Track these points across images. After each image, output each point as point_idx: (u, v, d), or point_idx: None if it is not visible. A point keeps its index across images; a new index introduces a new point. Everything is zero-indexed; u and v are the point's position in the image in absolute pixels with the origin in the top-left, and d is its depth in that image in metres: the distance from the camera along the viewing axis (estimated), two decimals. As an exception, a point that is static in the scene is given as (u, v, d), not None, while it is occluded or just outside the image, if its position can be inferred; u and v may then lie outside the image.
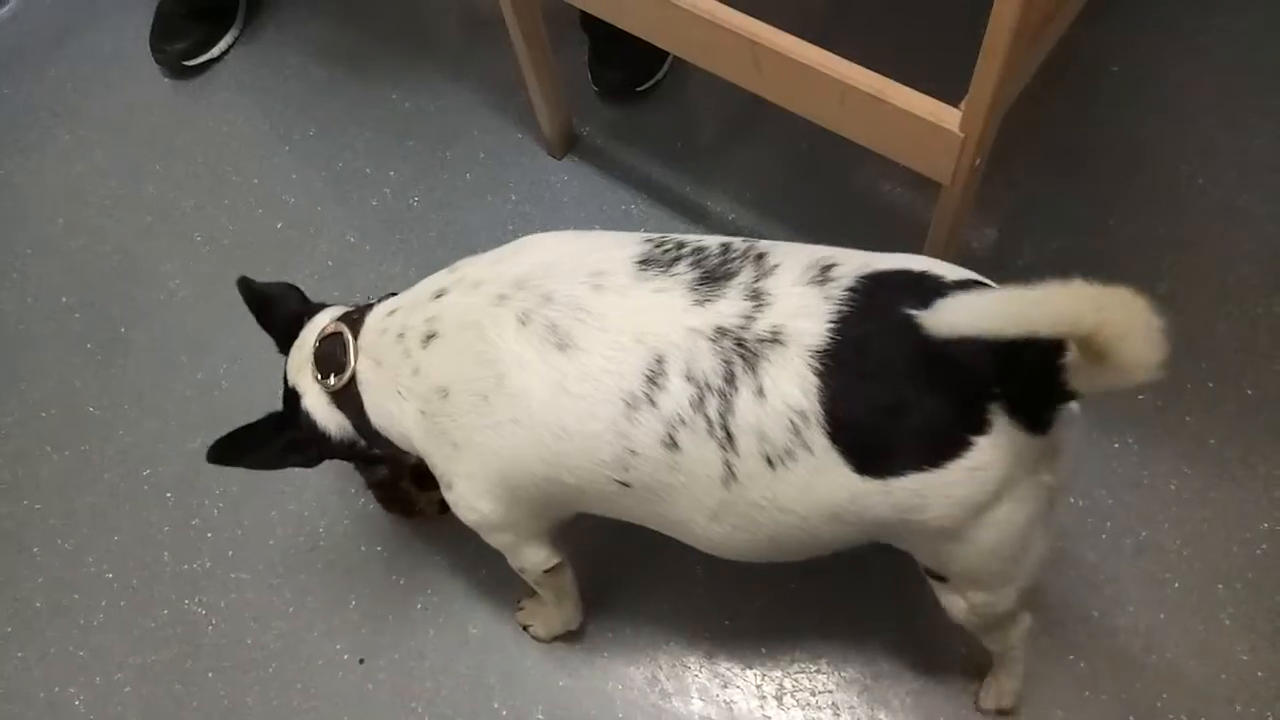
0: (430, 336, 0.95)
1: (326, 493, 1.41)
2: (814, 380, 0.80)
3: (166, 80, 1.86)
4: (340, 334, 1.02)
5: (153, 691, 1.31)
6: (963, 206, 1.09)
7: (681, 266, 0.87)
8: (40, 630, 1.37)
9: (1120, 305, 0.68)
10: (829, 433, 0.80)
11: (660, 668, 1.26)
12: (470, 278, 0.96)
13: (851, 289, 0.82)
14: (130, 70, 1.88)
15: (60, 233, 1.72)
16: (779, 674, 1.24)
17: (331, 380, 1.01)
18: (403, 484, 1.26)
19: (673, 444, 0.85)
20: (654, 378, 0.84)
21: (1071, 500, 1.30)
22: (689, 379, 0.83)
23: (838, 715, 1.21)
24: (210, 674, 1.31)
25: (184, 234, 1.68)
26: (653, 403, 0.84)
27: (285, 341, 1.10)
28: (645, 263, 0.89)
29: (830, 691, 1.22)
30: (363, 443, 1.05)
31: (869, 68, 1.03)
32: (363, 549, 1.37)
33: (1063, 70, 1.11)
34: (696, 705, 1.23)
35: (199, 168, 1.75)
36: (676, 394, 0.83)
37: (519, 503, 0.98)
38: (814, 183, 1.56)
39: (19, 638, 1.37)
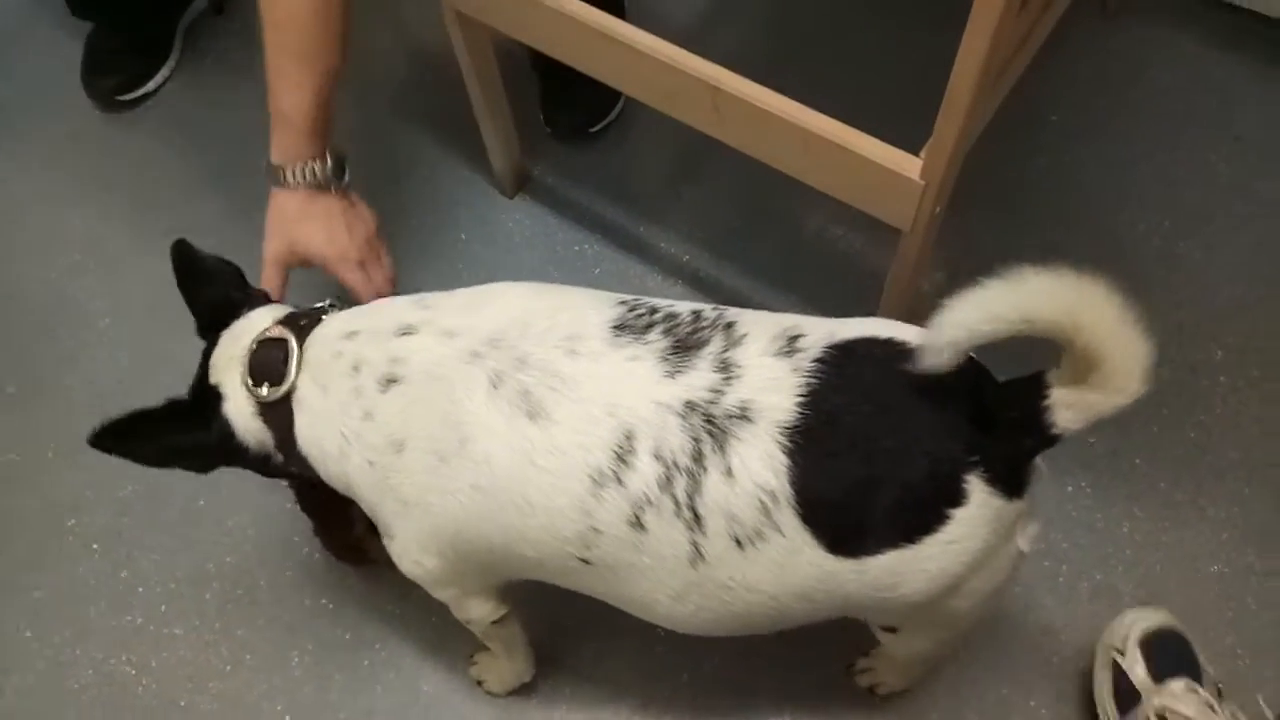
0: (391, 381, 0.87)
1: (268, 543, 1.35)
2: (783, 459, 0.77)
3: (98, 113, 1.79)
4: (285, 341, 0.91)
5: (75, 760, 1.23)
6: (923, 253, 1.09)
7: (654, 334, 0.84)
8: (-49, 696, 1.28)
9: (1103, 299, 0.70)
10: (800, 513, 0.78)
11: (619, 723, 1.22)
12: (442, 324, 0.89)
13: (819, 359, 0.80)
14: (60, 103, 1.80)
15: (-19, 268, 1.64)
16: (741, 727, 1.21)
17: (264, 391, 0.90)
18: (358, 531, 1.20)
19: (639, 524, 0.81)
20: (623, 455, 0.81)
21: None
22: (657, 458, 0.80)
23: (801, 768, 1.18)
24: (139, 739, 1.24)
25: (114, 272, 1.61)
26: (620, 481, 0.81)
27: (208, 326, 0.98)
28: (620, 328, 0.85)
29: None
30: (280, 460, 0.95)
31: (824, 113, 1.04)
32: (306, 602, 1.31)
33: (1004, 120, 1.13)
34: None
35: (131, 202, 1.68)
36: (645, 473, 0.80)
37: (467, 564, 0.93)
38: (768, 223, 1.57)
39: (-73, 704, 1.28)
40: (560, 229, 1.61)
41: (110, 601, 1.33)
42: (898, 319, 1.23)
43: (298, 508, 1.22)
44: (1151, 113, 1.65)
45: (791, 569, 0.80)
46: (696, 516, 0.80)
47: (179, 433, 0.94)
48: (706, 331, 0.83)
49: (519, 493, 0.84)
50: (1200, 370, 1.42)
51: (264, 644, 1.29)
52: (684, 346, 0.82)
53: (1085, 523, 1.32)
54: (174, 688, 1.26)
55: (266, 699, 1.25)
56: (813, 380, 0.79)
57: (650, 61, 1.11)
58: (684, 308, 0.87)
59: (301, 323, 0.94)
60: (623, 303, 0.88)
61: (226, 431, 0.93)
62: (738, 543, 0.80)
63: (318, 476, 0.94)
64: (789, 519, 0.78)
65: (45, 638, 1.31)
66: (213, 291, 1.00)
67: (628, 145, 1.69)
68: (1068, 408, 0.74)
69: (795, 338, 0.82)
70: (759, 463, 0.78)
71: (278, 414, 0.91)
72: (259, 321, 0.95)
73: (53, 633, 1.31)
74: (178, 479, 1.34)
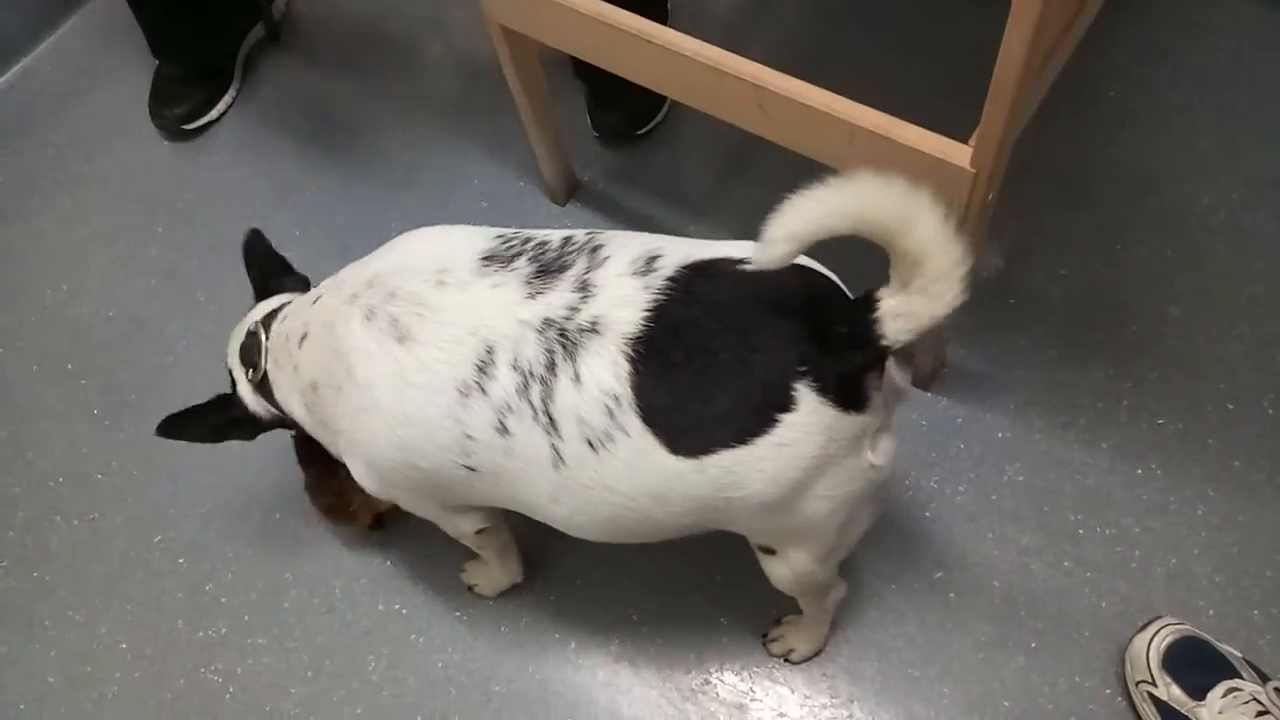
0: (303, 337, 1.04)
1: (340, 553, 1.39)
2: (626, 366, 0.84)
3: (165, 143, 1.86)
4: (257, 335, 1.11)
5: (171, 765, 1.28)
6: (974, 242, 1.08)
7: (521, 261, 0.92)
8: (54, 706, 1.34)
9: (905, 195, 0.73)
10: (641, 415, 0.84)
11: (689, 719, 1.23)
12: (339, 279, 1.04)
13: (671, 278, 0.86)
14: (129, 135, 1.88)
15: (64, 299, 1.71)
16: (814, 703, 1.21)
17: (249, 374, 1.11)
18: (339, 479, 1.24)
19: (504, 429, 0.90)
20: (484, 367, 0.90)
21: (1097, 529, 1.28)
22: (515, 368, 0.89)
23: (873, 761, 1.18)
24: (230, 744, 1.29)
25: (188, 295, 1.67)
26: (483, 390, 0.90)
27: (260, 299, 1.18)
28: (489, 259, 0.94)
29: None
30: (283, 421, 1.14)
31: (868, 105, 1.03)
32: (380, 608, 1.35)
33: (1060, 99, 1.11)
34: (728, 756, 1.20)
35: (201, 229, 1.75)
36: (504, 382, 0.89)
37: (399, 483, 1.04)
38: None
39: (33, 714, 1.34)
40: (612, 233, 1.62)
41: (196, 613, 1.38)
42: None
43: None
44: (1214, 80, 1.61)
45: (640, 469, 0.86)
46: (552, 420, 0.88)
47: (219, 414, 1.15)
48: (572, 255, 0.91)
49: (399, 409, 0.94)
50: (1275, 344, 1.37)
51: (342, 650, 1.33)
52: (548, 271, 0.91)
53: (1158, 505, 1.29)
54: (259, 694, 1.31)
55: (347, 703, 1.29)
56: (661, 296, 0.86)
57: (693, 65, 1.12)
58: (558, 235, 0.94)
59: (272, 315, 1.12)
60: (499, 236, 0.97)
61: (243, 407, 1.13)
62: (590, 445, 0.87)
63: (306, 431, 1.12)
64: (632, 421, 0.85)
65: (138, 649, 1.37)
66: (265, 281, 1.20)
67: (675, 146, 1.70)
68: (895, 317, 0.79)
69: (654, 259, 0.88)
70: (604, 370, 0.85)
71: (264, 390, 1.11)
72: (254, 315, 1.14)
73: (145, 644, 1.37)
74: (254, 496, 1.42)
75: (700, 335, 0.84)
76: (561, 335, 0.87)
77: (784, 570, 1.01)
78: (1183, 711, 1.10)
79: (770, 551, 1.00)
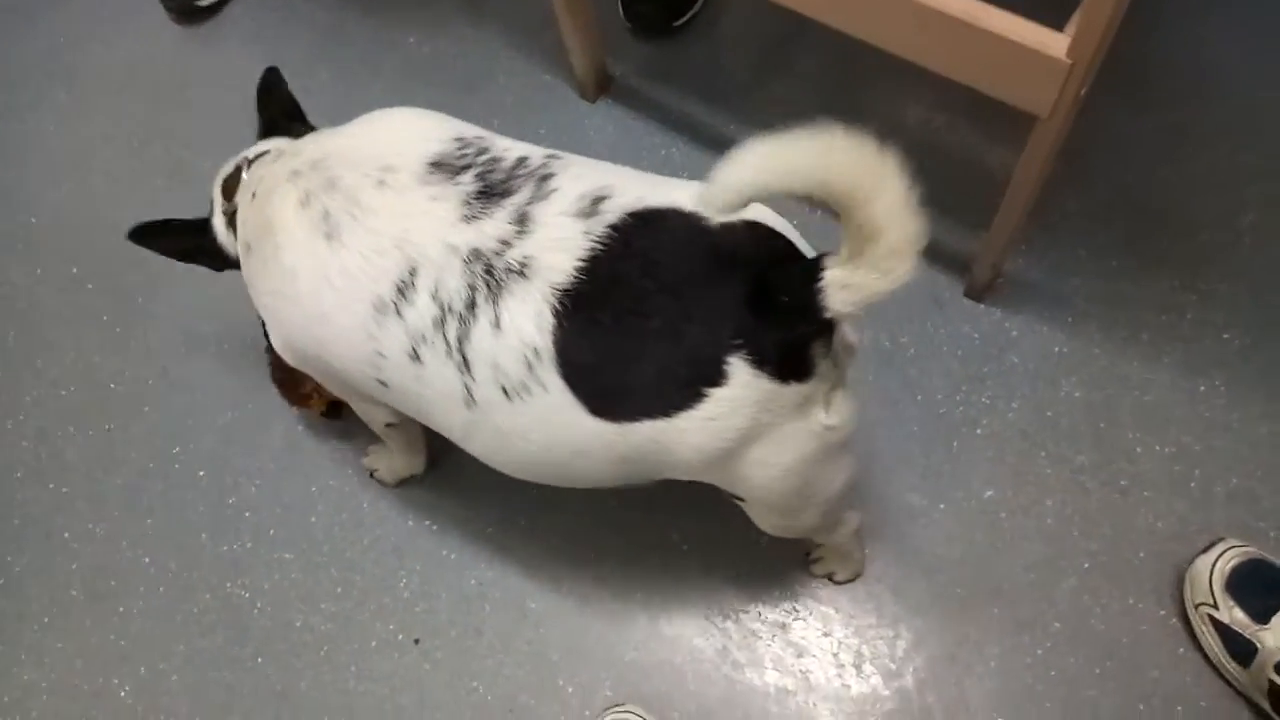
0: (254, 194, 0.99)
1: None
2: (550, 319, 0.79)
3: (169, 33, 1.75)
4: (239, 168, 1.05)
5: (200, 679, 1.26)
6: (1057, 143, 1.00)
7: (467, 176, 0.86)
8: (79, 620, 1.31)
9: (871, 159, 0.67)
10: (562, 373, 0.80)
11: (730, 638, 1.20)
12: (297, 146, 0.99)
13: (614, 225, 0.80)
14: (130, 22, 1.77)
15: (65, 200, 1.63)
16: (855, 640, 1.18)
17: (225, 204, 1.05)
18: (303, 381, 1.22)
19: (416, 357, 0.86)
20: (404, 289, 0.85)
21: (1156, 447, 1.23)
22: (434, 297, 0.84)
23: (923, 695, 1.16)
24: (259, 659, 1.26)
25: (198, 195, 1.58)
26: (399, 313, 0.86)
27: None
28: (437, 165, 0.88)
29: (912, 659, 1.17)
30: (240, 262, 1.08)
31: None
32: (410, 524, 1.31)
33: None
34: (771, 677, 1.18)
35: (208, 124, 1.65)
36: (421, 310, 0.84)
37: (310, 368, 1.02)
38: (864, 117, 1.45)
39: (58, 628, 1.31)
40: (644, 132, 1.53)
41: (220, 527, 1.34)
42: (1019, 220, 1.17)
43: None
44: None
45: (557, 425, 0.83)
46: (465, 361, 0.84)
47: (192, 236, 1.09)
48: (520, 181, 0.85)
49: (317, 307, 0.91)
50: (1348, 256, 1.30)
51: (372, 565, 1.29)
52: (490, 193, 0.85)
53: (1220, 423, 1.23)
54: (288, 609, 1.28)
55: (378, 618, 1.26)
56: (599, 245, 0.80)
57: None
58: (515, 153, 0.88)
59: (264, 153, 1.05)
60: (458, 140, 0.91)
61: (213, 235, 1.07)
62: (505, 392, 0.83)
63: None
64: (552, 378, 0.80)
65: (162, 564, 1.33)
66: (266, 118, 1.13)
67: (713, 39, 1.59)
68: (842, 288, 0.72)
69: (601, 199, 0.82)
70: (527, 319, 0.80)
71: (233, 224, 1.05)
72: (249, 152, 1.07)
73: (169, 559, 1.33)
74: (276, 408, 1.36)
75: (633, 296, 0.78)
76: (488, 272, 0.82)
77: (758, 520, 0.98)
78: (1245, 635, 1.07)
79: (739, 499, 0.94)
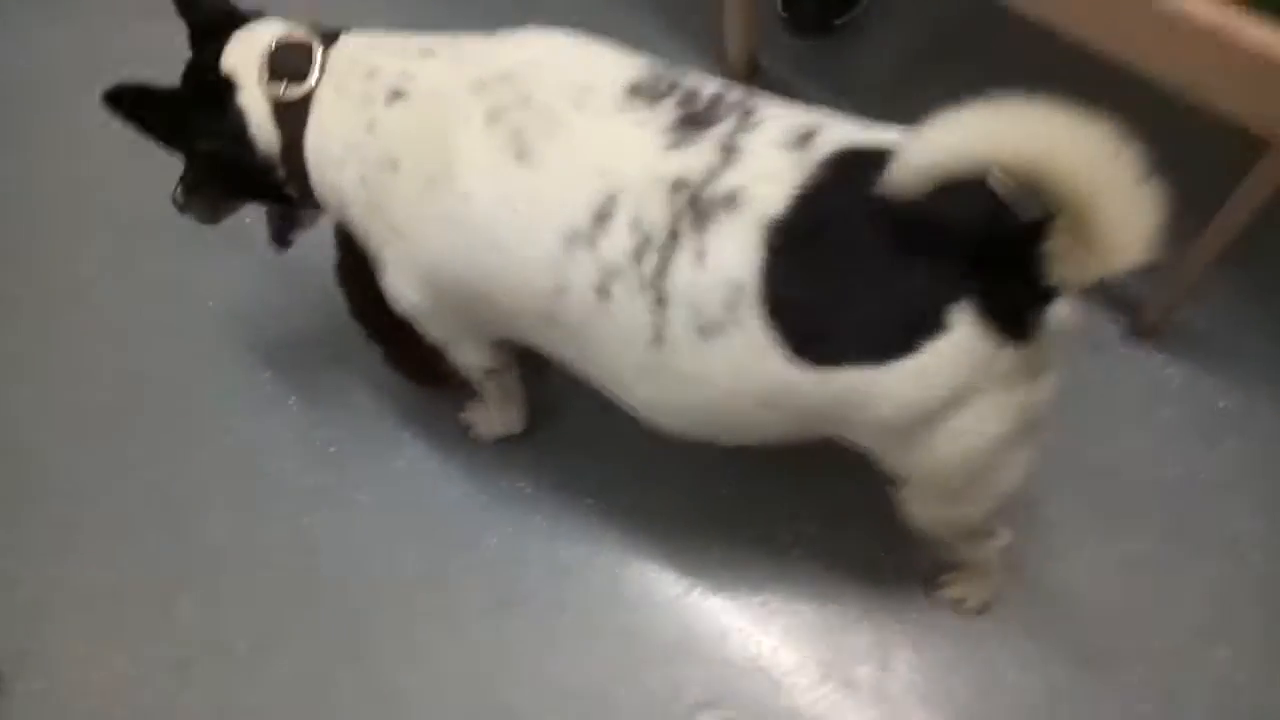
0: (398, 94, 0.86)
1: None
2: (757, 253, 0.73)
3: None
4: (308, 45, 0.90)
5: (269, 612, 1.18)
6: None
7: (667, 103, 0.80)
8: (154, 533, 1.24)
9: (1099, 148, 0.60)
10: (765, 310, 0.74)
11: (838, 656, 1.10)
12: (461, 52, 0.88)
13: (828, 160, 0.74)
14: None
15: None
16: (981, 673, 1.08)
17: (283, 87, 0.89)
18: (426, 344, 1.09)
19: (605, 291, 0.79)
20: (601, 218, 0.78)
21: None
22: (633, 227, 0.77)
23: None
24: (331, 601, 1.17)
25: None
26: (592, 244, 0.78)
27: (204, 36, 0.94)
28: (635, 90, 0.81)
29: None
30: (278, 175, 0.93)
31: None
32: (502, 484, 1.23)
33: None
34: (881, 711, 1.07)
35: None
36: (618, 240, 0.78)
37: (447, 305, 0.92)
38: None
39: (130, 557, 1.24)
40: (794, 126, 1.47)
41: (305, 458, 1.27)
42: (1212, 260, 1.08)
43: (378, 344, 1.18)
44: None
45: (751, 370, 0.76)
46: (660, 296, 0.77)
47: (194, 109, 0.92)
48: (722, 111, 0.79)
49: (493, 233, 0.82)
50: None
51: (458, 519, 1.21)
52: (694, 121, 0.78)
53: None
54: (366, 553, 1.20)
55: (467, 573, 1.17)
56: (814, 179, 0.73)
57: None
58: (709, 87, 0.82)
59: (325, 34, 0.92)
60: (652, 68, 0.84)
61: (239, 124, 0.91)
62: (699, 331, 0.76)
63: (309, 193, 0.92)
64: (753, 316, 0.74)
65: (240, 491, 1.25)
66: (208, 5, 0.96)
67: (873, 40, 1.53)
68: (1064, 260, 0.66)
69: (811, 135, 0.76)
70: (733, 252, 0.74)
71: (291, 116, 0.89)
72: (273, 28, 0.92)
73: (245, 483, 1.26)
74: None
75: (851, 231, 0.73)
76: (693, 202, 0.75)
77: (914, 507, 0.89)
78: None
79: (894, 481, 0.87)
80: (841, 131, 0.77)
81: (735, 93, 0.82)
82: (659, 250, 0.76)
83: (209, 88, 0.92)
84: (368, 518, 1.22)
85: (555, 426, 1.23)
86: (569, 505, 1.21)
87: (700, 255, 0.75)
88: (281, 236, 1.13)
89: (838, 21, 1.53)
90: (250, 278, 1.40)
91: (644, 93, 0.81)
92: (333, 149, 0.89)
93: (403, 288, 0.92)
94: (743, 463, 1.17)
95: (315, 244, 1.13)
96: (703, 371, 0.78)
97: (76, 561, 1.22)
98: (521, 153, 0.81)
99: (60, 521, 1.25)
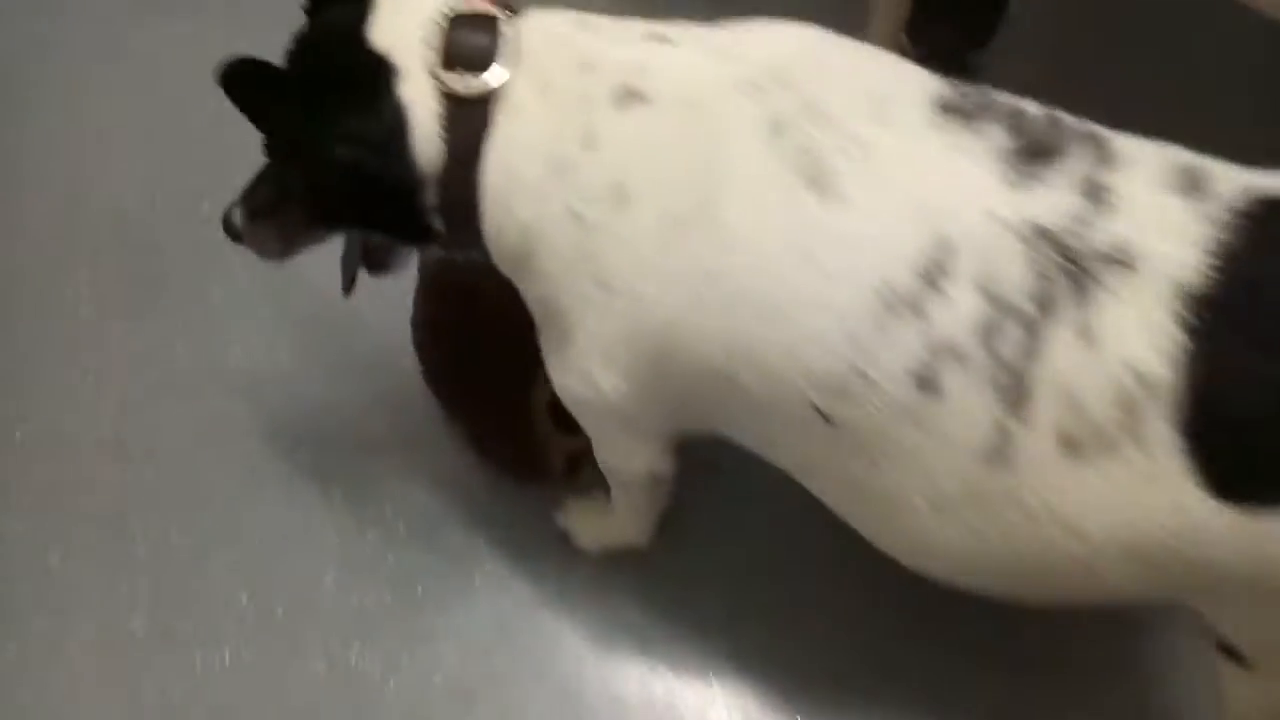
0: (631, 95, 0.65)
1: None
2: (1177, 335, 0.55)
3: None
4: (493, 20, 0.68)
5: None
6: None
7: (991, 124, 0.62)
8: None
9: None
10: (1184, 422, 0.55)
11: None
12: (709, 41, 0.68)
13: (1240, 210, 0.57)
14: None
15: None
16: None
17: (461, 79, 0.66)
18: (528, 405, 0.89)
19: (929, 383, 0.60)
20: (931, 276, 0.59)
21: None
22: (983, 291, 0.58)
23: None
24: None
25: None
26: (919, 311, 0.59)
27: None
28: (946, 107, 0.64)
29: None
30: (426, 200, 0.69)
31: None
32: (607, 611, 0.99)
33: None
34: None
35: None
36: (961, 308, 0.59)
37: (655, 394, 0.70)
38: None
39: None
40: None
41: (351, 573, 1.02)
42: None
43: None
44: None
45: (1141, 505, 0.57)
46: (1022, 388, 0.58)
47: (332, 99, 0.68)
48: (1067, 138, 0.62)
49: (768, 293, 0.62)
50: None
51: (560, 656, 0.98)
52: (1034, 152, 0.61)
53: None
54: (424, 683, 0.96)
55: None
56: (1230, 237, 0.56)
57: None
58: (1032, 105, 0.65)
59: (511, 9, 0.70)
60: (947, 80, 0.67)
61: (397, 125, 0.67)
62: (1067, 445, 0.57)
63: (468, 231, 0.69)
64: (1162, 428, 0.56)
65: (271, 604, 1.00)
66: None
67: (1007, 74, 1.34)
68: None
69: (1198, 175, 0.60)
70: (1138, 331, 0.56)
71: (468, 118, 0.67)
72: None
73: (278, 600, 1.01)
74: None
75: None
76: (1068, 258, 0.58)
77: (1257, 697, 0.71)
78: None
79: (1241, 659, 0.68)
80: (1234, 175, 0.60)
81: (1070, 119, 0.64)
82: (1025, 324, 0.58)
83: (355, 70, 0.68)
84: (439, 652, 0.98)
85: (671, 533, 1.00)
86: (686, 640, 0.97)
87: (1086, 331, 0.57)
88: (358, 275, 0.87)
89: (967, 56, 1.35)
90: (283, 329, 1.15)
91: (955, 109, 0.63)
92: (528, 171, 0.66)
93: (596, 368, 0.69)
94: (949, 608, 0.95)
95: (369, 290, 0.88)
96: (1059, 506, 0.59)
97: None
98: (815, 180, 0.61)
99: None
